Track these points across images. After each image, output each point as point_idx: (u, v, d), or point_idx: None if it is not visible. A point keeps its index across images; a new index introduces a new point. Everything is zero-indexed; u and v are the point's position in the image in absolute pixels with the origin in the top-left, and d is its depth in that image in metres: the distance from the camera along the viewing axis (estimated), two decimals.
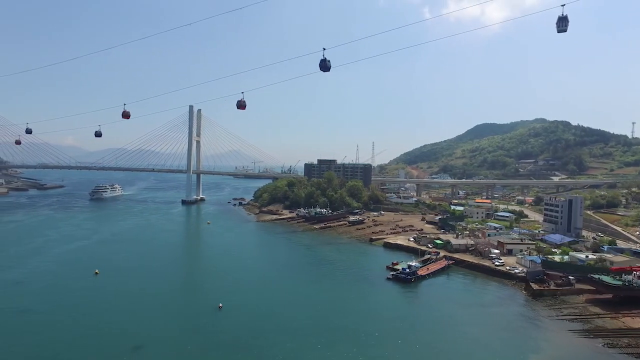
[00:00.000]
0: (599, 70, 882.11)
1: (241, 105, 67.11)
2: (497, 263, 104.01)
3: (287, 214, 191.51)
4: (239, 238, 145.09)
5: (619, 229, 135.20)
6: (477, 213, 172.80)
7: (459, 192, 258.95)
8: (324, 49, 44.14)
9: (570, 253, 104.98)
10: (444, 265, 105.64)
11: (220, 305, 73.86)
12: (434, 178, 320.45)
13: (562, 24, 42.75)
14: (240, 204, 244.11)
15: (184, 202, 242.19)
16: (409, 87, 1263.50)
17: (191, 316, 70.15)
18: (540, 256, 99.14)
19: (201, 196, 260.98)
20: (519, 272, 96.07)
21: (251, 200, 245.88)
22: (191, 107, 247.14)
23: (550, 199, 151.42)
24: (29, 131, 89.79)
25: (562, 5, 41.81)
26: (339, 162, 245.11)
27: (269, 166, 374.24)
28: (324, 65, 45.58)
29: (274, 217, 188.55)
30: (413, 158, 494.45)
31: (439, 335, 65.30)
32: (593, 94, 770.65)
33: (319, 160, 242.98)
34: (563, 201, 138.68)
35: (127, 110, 67.65)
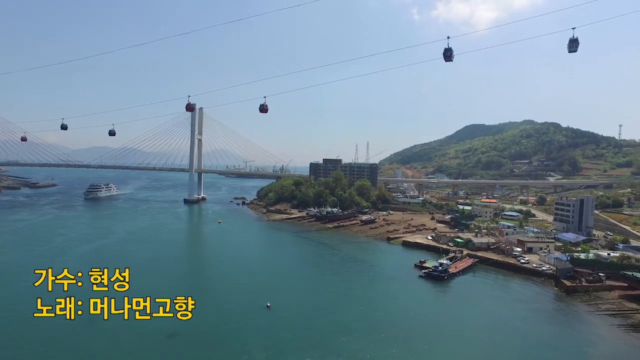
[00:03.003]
0: (584, 73, 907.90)
1: (263, 109, 67.77)
2: (522, 261, 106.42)
3: (296, 213, 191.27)
4: (256, 237, 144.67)
5: (628, 227, 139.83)
6: (486, 212, 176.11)
7: (458, 192, 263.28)
8: (449, 37, 45.24)
9: (592, 251, 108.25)
10: (470, 263, 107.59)
11: (269, 304, 73.66)
12: (430, 178, 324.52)
13: (573, 45, 46.11)
14: (244, 203, 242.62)
15: (186, 202, 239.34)
16: (397, 87, 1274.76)
17: (244, 316, 69.51)
18: (567, 254, 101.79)
19: (202, 195, 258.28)
20: (546, 269, 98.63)
21: (255, 199, 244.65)
22: (194, 105, 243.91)
23: (561, 199, 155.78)
24: (64, 127, 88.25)
25: (573, 28, 45.33)
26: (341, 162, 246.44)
27: (260, 165, 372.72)
28: (449, 55, 46.78)
29: (284, 216, 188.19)
30: (405, 158, 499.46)
31: (494, 332, 66.71)
32: (578, 97, 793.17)
33: (324, 160, 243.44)
34: (574, 201, 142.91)
35: (192, 103, 67.26)
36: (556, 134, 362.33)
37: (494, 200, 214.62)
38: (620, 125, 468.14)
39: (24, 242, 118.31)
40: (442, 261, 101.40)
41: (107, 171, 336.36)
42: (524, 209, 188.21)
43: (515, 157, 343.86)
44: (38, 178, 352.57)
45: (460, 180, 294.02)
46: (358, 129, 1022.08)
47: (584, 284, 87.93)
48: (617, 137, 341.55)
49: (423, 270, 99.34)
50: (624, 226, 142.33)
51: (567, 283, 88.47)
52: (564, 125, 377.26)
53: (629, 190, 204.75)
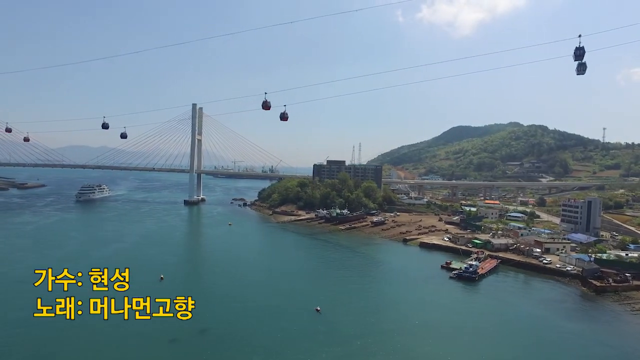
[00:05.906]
0: (567, 77, 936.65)
1: (284, 117, 67.73)
2: (544, 261, 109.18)
3: (304, 214, 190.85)
4: (273, 239, 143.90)
5: (632, 228, 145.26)
6: (492, 213, 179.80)
7: (457, 194, 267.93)
8: (580, 36, 45.13)
9: (609, 251, 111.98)
10: (495, 264, 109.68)
11: (318, 308, 73.30)
12: (424, 179, 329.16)
13: (581, 68, 48.86)
14: (245, 204, 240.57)
15: (186, 203, 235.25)
16: (381, 89, 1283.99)
17: (297, 320, 68.90)
18: (589, 255, 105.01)
19: (202, 196, 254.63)
20: (570, 270, 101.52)
21: (256, 200, 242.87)
22: (194, 105, 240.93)
23: (568, 201, 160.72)
24: (105, 126, 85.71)
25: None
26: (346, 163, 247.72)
27: (249, 165, 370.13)
28: (580, 55, 46.56)
29: (292, 217, 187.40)
30: (394, 159, 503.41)
31: (540, 331, 68.12)
32: (562, 99, 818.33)
33: (328, 161, 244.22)
34: (582, 202, 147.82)
35: (268, 101, 65.72)
36: (544, 136, 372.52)
37: (497, 202, 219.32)
38: (604, 129, 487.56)
39: (40, 245, 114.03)
40: (471, 262, 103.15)
41: (91, 171, 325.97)
42: (527, 210, 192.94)
43: (506, 159, 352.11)
44: (23, 178, 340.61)
45: (461, 181, 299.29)
46: (345, 131, 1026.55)
47: (612, 284, 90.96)
48: (601, 140, 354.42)
49: (453, 272, 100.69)
50: (628, 227, 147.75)
51: (597, 283, 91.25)
52: (550, 127, 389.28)
53: (622, 191, 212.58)
